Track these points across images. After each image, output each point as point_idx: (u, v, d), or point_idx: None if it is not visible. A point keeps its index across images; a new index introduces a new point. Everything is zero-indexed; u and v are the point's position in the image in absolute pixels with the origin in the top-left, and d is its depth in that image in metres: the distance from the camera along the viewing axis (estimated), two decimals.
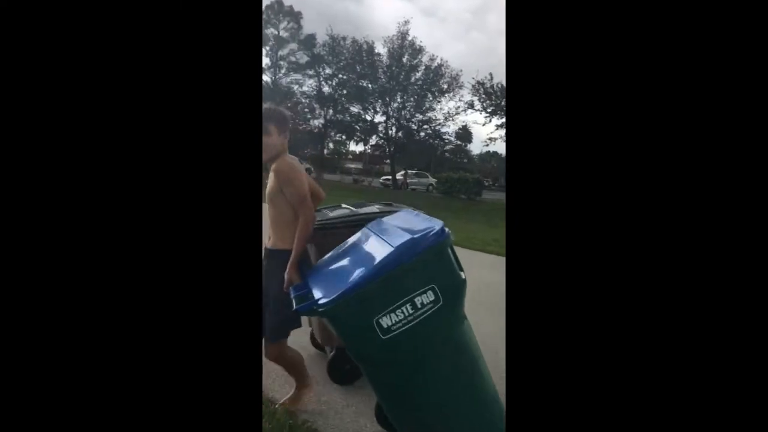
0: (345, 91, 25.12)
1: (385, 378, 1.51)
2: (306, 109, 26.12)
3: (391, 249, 1.44)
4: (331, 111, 26.08)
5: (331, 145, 32.20)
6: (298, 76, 26.62)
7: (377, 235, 1.68)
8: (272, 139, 1.89)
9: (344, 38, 24.38)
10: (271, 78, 26.42)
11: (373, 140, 27.56)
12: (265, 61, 26.09)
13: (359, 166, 35.89)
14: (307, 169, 30.59)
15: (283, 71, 26.85)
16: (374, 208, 2.39)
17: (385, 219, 1.93)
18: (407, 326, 1.41)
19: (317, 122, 26.66)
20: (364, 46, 23.96)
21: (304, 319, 2.32)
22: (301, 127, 24.64)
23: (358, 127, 26.20)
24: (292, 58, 26.69)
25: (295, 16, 26.80)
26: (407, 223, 1.69)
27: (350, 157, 38.20)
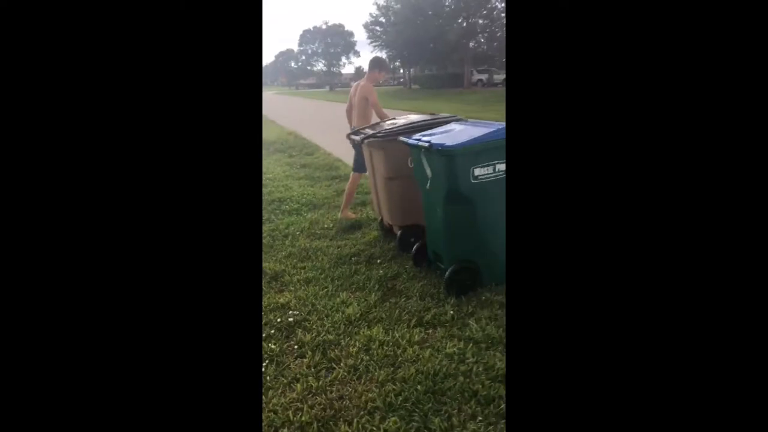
0: None
1: (461, 212, 2.50)
2: (502, 14, 25.77)
3: (493, 129, 2.43)
4: None
5: None
6: None
7: (471, 125, 2.76)
8: (377, 77, 4.09)
9: None
10: None
11: None
12: None
13: None
14: (505, 80, 31.01)
15: None
16: (426, 116, 3.34)
17: (462, 120, 3.01)
18: (487, 179, 2.43)
19: None
20: None
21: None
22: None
23: None
24: None
25: None
26: (481, 123, 2.78)
27: None
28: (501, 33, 27.87)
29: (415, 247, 3.05)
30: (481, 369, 1.92)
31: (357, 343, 2.18)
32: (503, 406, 1.70)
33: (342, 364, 2.03)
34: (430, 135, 2.67)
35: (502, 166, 2.46)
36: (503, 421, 1.64)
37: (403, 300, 2.60)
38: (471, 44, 30.65)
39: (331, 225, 4.06)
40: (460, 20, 30.30)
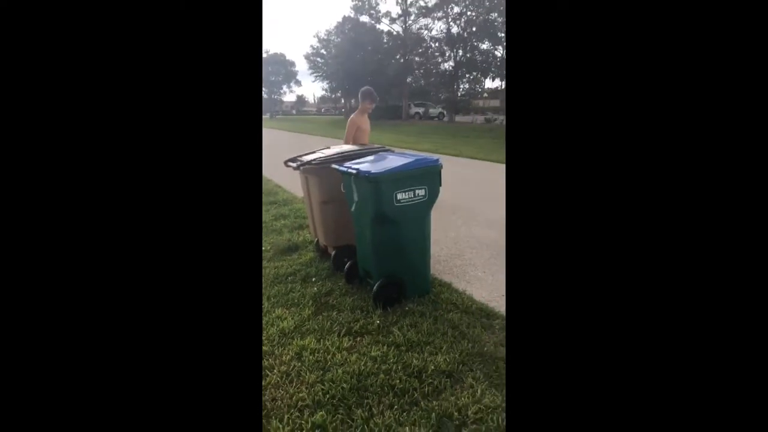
0: (474, 29, 25.43)
1: (386, 232, 2.80)
2: (436, 53, 27.26)
3: (413, 159, 2.79)
4: (460, 52, 26.49)
5: (464, 86, 31.04)
6: (427, 21, 28.13)
7: (395, 155, 3.11)
8: (366, 107, 4.26)
9: None
10: (402, 26, 27.74)
11: None
12: (396, 9, 26.95)
13: (497, 104, 34.39)
14: (440, 113, 30.50)
15: (412, 18, 28.34)
16: (357, 146, 3.71)
17: (389, 151, 3.34)
18: (408, 203, 2.77)
19: (448, 65, 27.47)
20: None
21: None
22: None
23: (489, 66, 26.05)
24: (422, 2, 27.93)
25: None
26: (404, 155, 3.05)
27: (486, 95, 35.61)
28: (436, 70, 29.85)
29: (347, 265, 3.29)
30: (399, 367, 2.18)
31: (290, 352, 2.37)
32: (416, 395, 1.97)
33: (275, 371, 2.20)
34: (359, 163, 2.97)
35: (421, 191, 2.81)
36: (415, 407, 1.90)
37: (335, 313, 2.82)
38: (408, 79, 32.19)
39: (269, 248, 4.20)
40: (398, 56, 31.87)
